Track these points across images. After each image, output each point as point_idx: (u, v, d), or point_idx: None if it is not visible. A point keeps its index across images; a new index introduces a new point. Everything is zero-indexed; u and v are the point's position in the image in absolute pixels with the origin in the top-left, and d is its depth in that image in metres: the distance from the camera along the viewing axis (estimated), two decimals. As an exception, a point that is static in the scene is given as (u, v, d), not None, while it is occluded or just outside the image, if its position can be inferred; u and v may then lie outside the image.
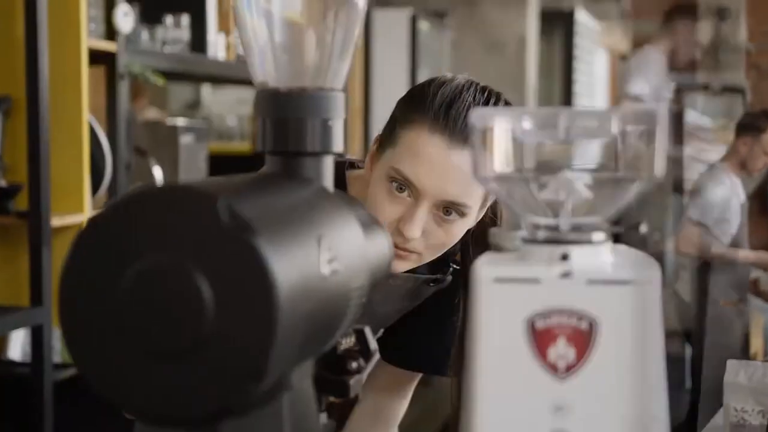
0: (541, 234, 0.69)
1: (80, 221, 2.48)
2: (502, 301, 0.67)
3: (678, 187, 4.38)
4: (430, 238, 1.24)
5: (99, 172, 2.53)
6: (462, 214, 1.23)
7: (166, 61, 2.91)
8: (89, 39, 2.50)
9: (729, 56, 9.03)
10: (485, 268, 0.67)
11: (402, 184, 1.22)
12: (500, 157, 0.70)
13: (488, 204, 1.30)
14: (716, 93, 7.78)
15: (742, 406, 1.84)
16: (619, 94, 4.40)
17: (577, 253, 0.67)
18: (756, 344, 4.34)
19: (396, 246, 1.22)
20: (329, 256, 0.68)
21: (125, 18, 2.59)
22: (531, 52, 5.52)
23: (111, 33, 2.61)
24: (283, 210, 0.66)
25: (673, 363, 4.54)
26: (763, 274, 4.54)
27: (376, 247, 0.81)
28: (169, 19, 2.95)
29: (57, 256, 2.38)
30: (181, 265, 0.60)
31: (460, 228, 1.25)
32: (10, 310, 2.31)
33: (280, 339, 0.60)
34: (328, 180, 0.79)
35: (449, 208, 1.22)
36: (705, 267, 4.19)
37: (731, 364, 1.93)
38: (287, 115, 0.78)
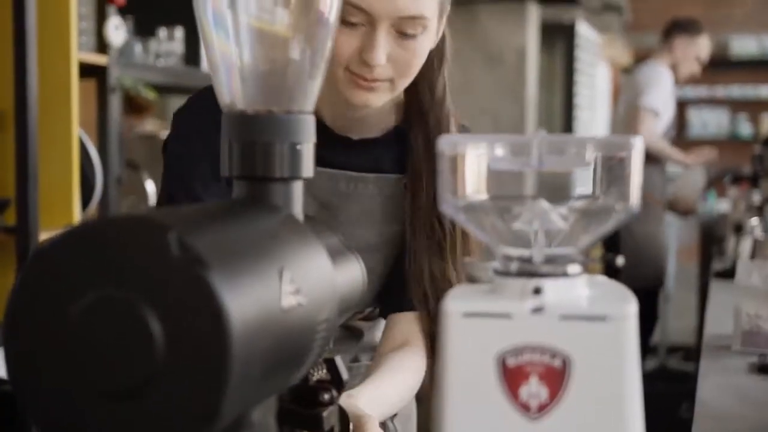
0: (514, 266, 0.66)
1: (69, 236, 2.45)
2: (471, 337, 0.64)
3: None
4: (396, 62, 1.21)
5: (89, 186, 2.50)
6: (422, 28, 1.20)
7: (159, 74, 2.88)
8: (80, 52, 2.47)
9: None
10: (454, 303, 0.64)
11: (353, 14, 1.18)
12: (470, 186, 0.67)
13: (446, 13, 1.27)
14: (596, 11, 7.85)
15: (755, 311, 1.75)
16: (627, 107, 4.38)
17: (550, 286, 0.64)
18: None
19: (364, 78, 1.21)
20: (292, 288, 0.65)
21: (116, 31, 2.56)
22: (531, 65, 5.49)
23: (102, 46, 2.59)
24: (242, 241, 0.63)
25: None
26: (678, 188, 4.67)
27: (346, 275, 0.78)
28: (162, 32, 2.92)
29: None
30: (130, 299, 0.57)
31: (422, 44, 1.22)
32: (-3, 327, 2.28)
33: (235, 377, 0.57)
34: (297, 206, 0.76)
35: (407, 26, 1.19)
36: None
37: (742, 264, 1.83)
38: (255, 139, 0.75)
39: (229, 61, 0.78)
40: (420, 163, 1.32)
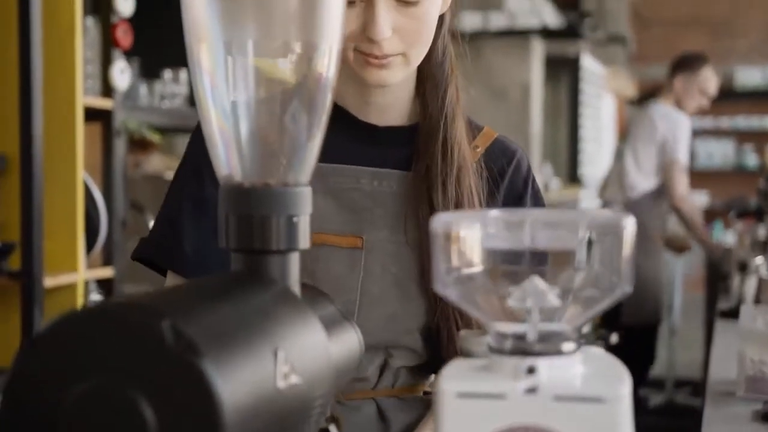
0: (508, 344, 0.66)
1: (74, 281, 2.45)
2: (466, 417, 0.64)
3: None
4: (404, 32, 1.15)
5: (94, 230, 2.51)
6: None
7: (164, 116, 2.90)
8: (85, 96, 2.49)
9: (614, 5, 9.07)
10: (449, 382, 0.65)
11: None
12: (463, 263, 0.67)
13: None
14: (601, 44, 7.88)
15: (759, 357, 1.71)
16: (659, 156, 4.36)
17: (544, 365, 0.64)
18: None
19: (374, 56, 1.15)
20: (287, 369, 0.65)
21: (122, 75, 2.58)
22: (535, 99, 5.52)
23: (108, 89, 2.60)
24: (236, 322, 0.63)
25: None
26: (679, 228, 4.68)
27: (342, 346, 0.78)
28: (167, 74, 2.94)
29: (49, 318, 2.36)
30: (124, 388, 0.57)
31: (429, 10, 1.16)
32: (2, 372, 2.28)
33: (229, 463, 0.57)
34: (294, 278, 0.77)
35: None
36: (643, 201, 4.32)
37: (746, 308, 1.80)
38: (252, 212, 0.76)
39: (227, 135, 0.78)
40: (426, 147, 1.24)
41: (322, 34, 0.79)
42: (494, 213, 0.68)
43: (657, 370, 5.52)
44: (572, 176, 7.22)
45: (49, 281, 2.36)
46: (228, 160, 0.79)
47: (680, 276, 5.82)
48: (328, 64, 0.80)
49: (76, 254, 2.45)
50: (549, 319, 0.67)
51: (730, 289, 3.59)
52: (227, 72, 0.77)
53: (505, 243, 0.67)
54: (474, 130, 1.29)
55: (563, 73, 7.12)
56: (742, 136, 9.84)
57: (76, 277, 2.47)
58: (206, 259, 1.19)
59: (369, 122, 1.26)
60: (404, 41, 1.15)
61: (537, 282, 0.67)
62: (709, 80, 4.47)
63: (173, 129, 3.15)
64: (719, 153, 9.92)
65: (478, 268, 0.67)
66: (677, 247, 4.84)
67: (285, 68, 0.78)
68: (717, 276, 4.44)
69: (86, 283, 2.56)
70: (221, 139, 0.78)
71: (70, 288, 2.46)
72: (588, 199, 7.43)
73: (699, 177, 9.98)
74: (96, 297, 2.69)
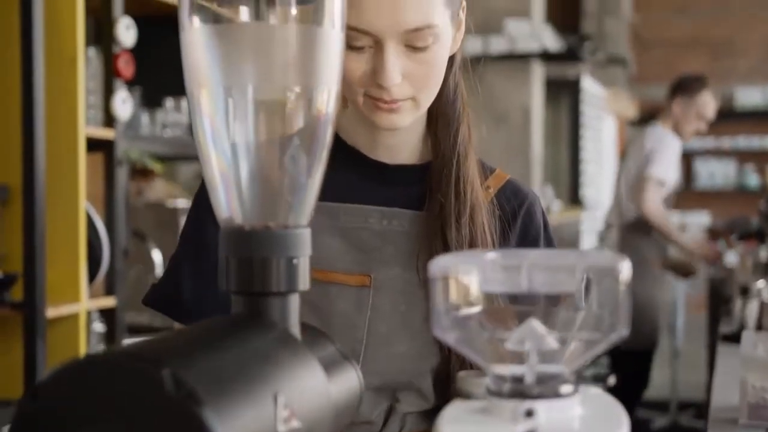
0: (506, 387, 0.66)
1: (76, 311, 2.46)
2: (465, 461, 0.64)
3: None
4: (413, 77, 1.14)
5: (96, 259, 2.52)
6: (433, 37, 1.12)
7: (166, 145, 2.92)
8: (87, 127, 2.51)
9: (614, 28, 9.12)
10: (448, 426, 0.65)
11: (357, 38, 1.11)
12: (461, 306, 0.68)
13: (463, 11, 1.20)
14: (601, 65, 7.90)
15: (761, 384, 1.70)
16: (636, 172, 4.41)
17: (542, 408, 0.65)
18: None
19: (384, 101, 1.14)
20: (287, 413, 0.66)
21: (123, 105, 2.60)
22: (536, 122, 5.53)
23: (109, 119, 2.62)
24: (236, 369, 0.64)
25: None
26: (673, 249, 4.69)
27: (342, 386, 0.79)
28: (169, 102, 2.96)
29: (52, 348, 2.36)
30: (125, 436, 0.57)
31: (439, 54, 1.14)
32: (3, 404, 2.28)
33: None
34: (294, 319, 0.77)
35: (415, 39, 1.11)
36: (634, 226, 4.32)
37: (747, 335, 1.79)
38: (252, 255, 0.77)
39: (227, 178, 0.79)
40: (438, 186, 1.23)
41: (320, 77, 0.79)
42: (491, 256, 0.69)
43: (661, 391, 5.51)
44: (574, 198, 7.23)
45: (51, 312, 2.36)
46: (228, 203, 0.79)
47: (683, 297, 5.82)
48: (327, 106, 0.81)
49: (79, 284, 2.46)
50: (547, 362, 0.67)
51: (732, 312, 3.59)
52: (227, 116, 0.78)
53: (502, 286, 0.67)
54: (486, 171, 1.29)
55: (564, 95, 7.14)
56: (743, 156, 9.85)
57: (79, 307, 2.47)
58: (205, 306, 1.20)
59: (380, 161, 1.26)
60: (414, 86, 1.15)
61: (535, 325, 0.68)
62: (708, 104, 4.47)
63: (175, 157, 3.16)
64: (720, 173, 9.93)
65: (476, 311, 0.68)
66: (683, 272, 4.84)
67: (285, 111, 0.79)
68: (719, 298, 4.44)
69: (88, 313, 2.57)
70: (221, 182, 0.79)
71: (73, 318, 2.47)
72: (589, 221, 7.44)
73: (700, 197, 10.02)
74: (98, 326, 2.70)
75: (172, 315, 1.27)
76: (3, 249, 2.39)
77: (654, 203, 4.27)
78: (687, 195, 10.00)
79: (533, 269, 0.66)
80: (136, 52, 2.70)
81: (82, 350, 2.48)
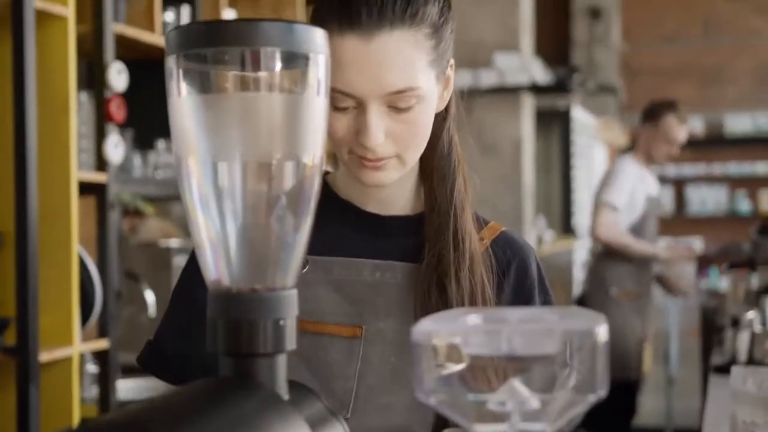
0: (489, 448, 0.68)
1: (69, 354, 2.46)
2: None
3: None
4: (397, 137, 1.15)
5: (89, 302, 2.53)
6: (416, 99, 1.14)
7: (158, 186, 2.94)
8: (80, 171, 2.52)
9: (604, 57, 9.19)
10: (431, 488, 0.66)
11: (341, 100, 1.12)
12: (443, 369, 0.69)
13: (450, 70, 1.21)
14: (592, 93, 7.92)
15: (752, 419, 1.70)
16: (596, 200, 4.49)
17: (525, 467, 0.66)
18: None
19: (368, 159, 1.15)
20: (274, 478, 0.67)
21: (116, 149, 2.62)
22: (527, 153, 5.57)
23: (102, 163, 2.64)
24: (224, 435, 0.65)
25: None
26: (667, 268, 4.69)
27: (331, 444, 0.80)
28: (161, 144, 2.98)
29: (45, 392, 2.37)
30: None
31: (423, 113, 1.16)
32: (-4, 449, 2.29)
33: None
34: (281, 379, 0.79)
35: (398, 100, 1.13)
36: (602, 256, 4.34)
37: (736, 370, 1.79)
38: (239, 317, 0.78)
39: (214, 241, 0.81)
40: (437, 238, 1.23)
41: (306, 142, 0.82)
42: (473, 319, 0.71)
43: (656, 419, 5.52)
44: (566, 227, 7.25)
45: (44, 356, 2.37)
46: (216, 266, 0.81)
47: (676, 325, 5.83)
48: (312, 169, 0.83)
49: (72, 328, 2.47)
50: (529, 420, 0.69)
51: (723, 342, 3.61)
52: (215, 181, 0.80)
53: (484, 349, 0.69)
54: (480, 222, 1.29)
55: (554, 125, 7.18)
56: (734, 183, 9.90)
57: (72, 350, 2.47)
58: (193, 368, 1.19)
59: (373, 213, 1.27)
60: (398, 144, 1.16)
61: (516, 385, 0.69)
62: (673, 127, 4.42)
63: (167, 198, 3.18)
64: (712, 199, 9.98)
65: (458, 373, 0.69)
66: (674, 290, 4.85)
67: (271, 175, 0.81)
68: (711, 327, 4.45)
69: (81, 356, 2.57)
70: (209, 245, 0.81)
71: (66, 362, 2.47)
72: (581, 249, 7.47)
73: (692, 223, 10.06)
74: (92, 367, 2.70)
75: (161, 376, 1.29)
76: (-4, 293, 2.40)
77: (605, 227, 4.32)
78: (679, 221, 10.05)
79: (513, 333, 0.68)
80: (128, 94, 2.72)
81: (76, 394, 2.49)
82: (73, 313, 2.46)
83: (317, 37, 0.80)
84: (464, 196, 1.25)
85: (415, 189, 1.28)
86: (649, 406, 6.39)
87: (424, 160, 1.24)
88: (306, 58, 0.80)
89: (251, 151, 0.80)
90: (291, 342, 0.80)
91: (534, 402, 0.69)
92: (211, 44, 0.78)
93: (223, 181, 0.80)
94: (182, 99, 0.78)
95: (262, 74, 0.78)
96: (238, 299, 0.79)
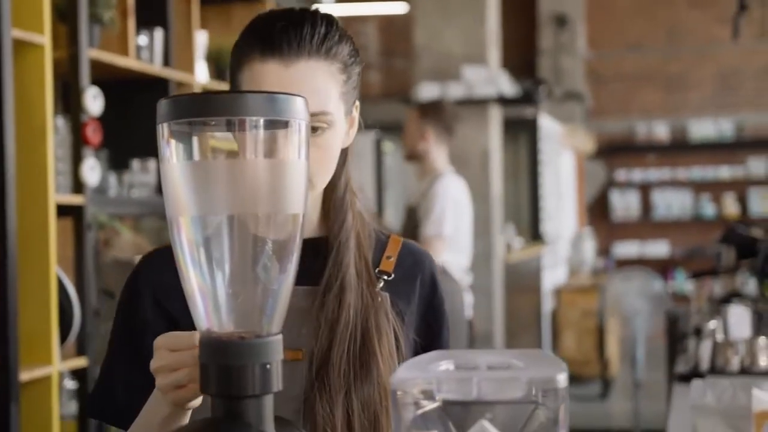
0: (458, 485, 0.75)
1: (49, 373, 2.51)
2: None
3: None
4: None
5: (68, 321, 2.58)
6: (327, 124, 1.20)
7: (134, 205, 2.99)
8: (57, 194, 2.57)
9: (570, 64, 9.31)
10: None
11: None
12: (417, 410, 0.76)
13: (356, 110, 1.27)
14: (559, 101, 7.92)
15: (713, 431, 1.74)
16: None
17: (491, 503, 0.74)
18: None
19: None
20: None
21: (92, 171, 2.67)
22: (495, 163, 5.65)
23: (78, 186, 2.68)
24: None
25: None
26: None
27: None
28: (136, 164, 3.03)
29: (25, 410, 2.41)
30: None
31: (332, 140, 1.22)
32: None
33: None
34: (268, 418, 0.86)
35: (314, 121, 1.16)
36: None
37: (697, 383, 1.83)
38: (229, 362, 0.85)
39: (205, 294, 0.88)
40: (327, 269, 1.26)
41: (289, 199, 0.89)
42: (444, 367, 0.78)
43: (623, 422, 5.61)
44: (534, 234, 7.35)
45: (24, 375, 2.42)
46: (207, 315, 0.88)
47: (642, 330, 5.94)
48: (295, 220, 0.90)
49: (51, 347, 2.52)
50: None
51: (687, 350, 3.69)
52: (204, 239, 0.87)
53: (455, 395, 0.76)
54: (382, 237, 1.34)
55: (522, 133, 7.28)
56: (698, 187, 10.06)
57: (51, 369, 2.52)
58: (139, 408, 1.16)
59: None
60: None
61: (486, 426, 0.77)
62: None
63: (143, 216, 3.24)
64: (677, 203, 10.13)
65: (431, 418, 0.77)
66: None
67: (257, 230, 0.88)
68: (676, 334, 4.54)
69: (60, 374, 2.62)
70: (200, 297, 0.88)
71: (45, 380, 2.52)
72: (550, 255, 7.58)
73: (658, 227, 10.21)
74: (70, 385, 2.75)
75: (111, 422, 1.27)
76: (-24, 315, 2.44)
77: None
78: (646, 225, 10.20)
79: (482, 380, 0.75)
80: (103, 116, 2.78)
81: (56, 411, 2.53)
82: (52, 332, 2.51)
83: (297, 105, 0.88)
84: (360, 228, 1.29)
85: (318, 214, 1.31)
86: (617, 408, 6.50)
87: (325, 190, 1.29)
88: (286, 124, 0.87)
89: (238, 209, 0.87)
90: (277, 383, 0.87)
91: (500, 441, 0.76)
92: (199, 114, 0.85)
93: (210, 234, 0.87)
94: (173, 165, 0.85)
95: (248, 140, 0.85)
96: (228, 347, 0.86)
